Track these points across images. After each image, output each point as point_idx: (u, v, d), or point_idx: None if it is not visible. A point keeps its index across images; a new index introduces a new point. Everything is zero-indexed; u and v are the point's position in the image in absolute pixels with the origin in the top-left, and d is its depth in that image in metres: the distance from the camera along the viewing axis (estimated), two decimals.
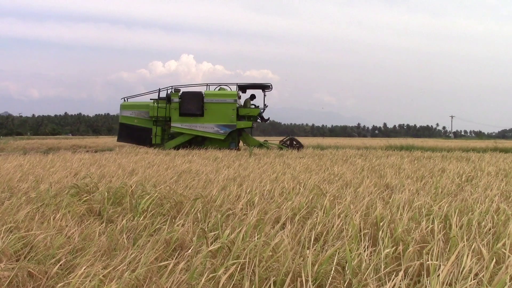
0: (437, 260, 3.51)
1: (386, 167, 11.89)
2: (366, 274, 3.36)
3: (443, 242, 4.32)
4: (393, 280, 2.98)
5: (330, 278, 3.36)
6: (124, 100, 25.49)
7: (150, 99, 25.42)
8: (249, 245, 3.79)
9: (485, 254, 3.59)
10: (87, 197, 6.22)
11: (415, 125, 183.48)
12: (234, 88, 25.36)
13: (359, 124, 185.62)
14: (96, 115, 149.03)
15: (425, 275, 3.43)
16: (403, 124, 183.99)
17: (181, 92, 24.72)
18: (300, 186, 7.69)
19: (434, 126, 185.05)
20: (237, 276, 3.37)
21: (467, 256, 3.40)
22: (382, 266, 3.52)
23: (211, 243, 4.07)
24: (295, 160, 14.30)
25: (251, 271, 3.43)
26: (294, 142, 25.93)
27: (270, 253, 3.72)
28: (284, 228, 4.73)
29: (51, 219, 4.92)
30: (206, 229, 4.51)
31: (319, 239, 4.26)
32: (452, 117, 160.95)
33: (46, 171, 9.64)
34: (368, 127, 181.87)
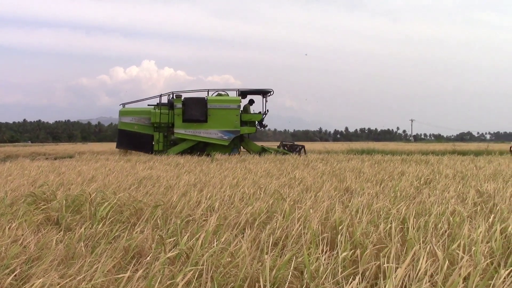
0: (394, 263, 3.55)
1: (346, 171, 11.99)
2: (323, 278, 3.39)
3: (400, 244, 4.38)
4: (350, 283, 3.01)
5: (288, 283, 3.38)
6: (123, 106, 25.18)
7: (148, 105, 25.19)
8: (208, 251, 3.79)
9: (440, 256, 3.65)
10: (45, 206, 6.11)
11: (376, 129, 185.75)
12: (233, 94, 25.32)
13: (320, 128, 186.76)
14: (56, 121, 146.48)
15: (381, 278, 3.47)
16: (365, 128, 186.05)
17: (183, 98, 24.46)
18: (261, 191, 7.71)
19: (395, 129, 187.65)
20: (195, 283, 3.35)
21: (423, 258, 3.46)
22: (340, 270, 3.55)
23: (170, 250, 4.05)
24: (256, 165, 14.32)
25: (209, 277, 3.42)
26: (299, 147, 26.20)
27: (229, 259, 3.73)
28: (243, 233, 4.74)
29: (6, 229, 4.82)
30: (164, 236, 4.49)
31: (278, 244, 4.27)
32: (412, 120, 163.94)
33: (2, 179, 9.46)
34: (330, 131, 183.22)
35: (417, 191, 8.20)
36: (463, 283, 3.19)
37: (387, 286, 2.97)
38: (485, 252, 4.06)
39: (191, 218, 5.61)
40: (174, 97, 24.48)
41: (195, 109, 24.09)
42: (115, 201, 6.02)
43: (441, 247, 4.14)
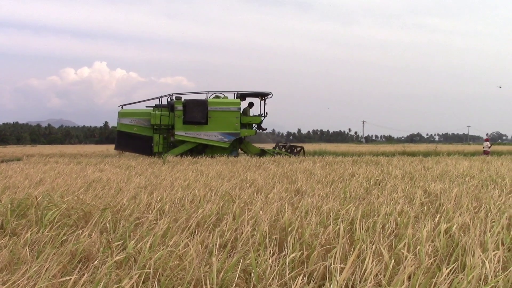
0: (341, 263, 3.60)
1: (298, 173, 12.08)
2: (270, 279, 3.41)
3: (348, 245, 4.44)
4: (296, 284, 3.03)
5: (235, 285, 3.38)
6: (121, 107, 24.91)
7: (146, 107, 25.07)
8: (155, 254, 3.76)
9: (386, 256, 3.72)
10: None
11: (328, 130, 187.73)
12: (231, 96, 25.30)
13: (273, 130, 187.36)
14: (4, 123, 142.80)
15: (328, 278, 3.51)
16: (317, 130, 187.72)
17: (184, 100, 24.31)
18: (212, 193, 7.70)
19: (347, 131, 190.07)
20: (141, 287, 3.32)
21: (369, 258, 3.51)
22: (287, 271, 3.58)
23: (118, 254, 4.00)
24: (208, 167, 14.29)
25: (156, 280, 3.40)
26: (298, 148, 26.50)
27: (177, 262, 3.71)
28: (193, 236, 4.72)
29: None
30: (112, 240, 4.44)
31: (227, 246, 4.27)
32: (363, 122, 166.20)
33: None
34: (282, 133, 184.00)
35: (366, 192, 8.32)
36: (407, 281, 3.25)
37: (331, 286, 3.00)
38: (429, 251, 4.15)
39: (140, 221, 5.56)
40: (174, 99, 24.37)
41: (196, 111, 24.03)
42: (63, 205, 5.91)
43: (387, 247, 4.21)
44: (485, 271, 3.46)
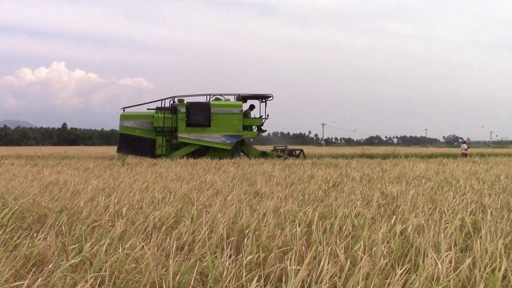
0: (297, 265, 3.62)
1: (257, 175, 12.11)
2: (227, 282, 3.42)
3: (305, 247, 4.47)
4: (251, 287, 3.04)
5: (191, 287, 3.38)
6: (123, 110, 24.78)
7: (147, 109, 25.02)
8: (112, 257, 3.73)
9: (342, 257, 3.76)
10: None
11: (288, 132, 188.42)
12: (232, 98, 25.45)
13: None
14: None
15: (284, 280, 3.53)
16: (277, 132, 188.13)
17: (187, 102, 24.28)
18: (170, 195, 7.66)
19: (307, 133, 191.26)
20: None
21: (325, 259, 3.54)
22: (244, 273, 3.59)
23: (74, 257, 3.95)
24: (167, 169, 14.22)
25: (112, 284, 3.37)
26: (297, 152, 26.58)
27: (133, 265, 3.68)
28: (150, 238, 4.70)
29: None
30: (67, 243, 4.37)
31: (184, 249, 4.26)
32: (323, 125, 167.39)
33: None
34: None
35: (325, 194, 8.38)
36: (362, 282, 3.29)
37: (287, 287, 3.02)
38: (385, 252, 4.22)
39: (97, 223, 5.49)
40: (177, 102, 24.36)
41: (199, 113, 24.09)
42: (16, 207, 5.80)
43: (343, 249, 4.26)
44: (438, 271, 3.54)
